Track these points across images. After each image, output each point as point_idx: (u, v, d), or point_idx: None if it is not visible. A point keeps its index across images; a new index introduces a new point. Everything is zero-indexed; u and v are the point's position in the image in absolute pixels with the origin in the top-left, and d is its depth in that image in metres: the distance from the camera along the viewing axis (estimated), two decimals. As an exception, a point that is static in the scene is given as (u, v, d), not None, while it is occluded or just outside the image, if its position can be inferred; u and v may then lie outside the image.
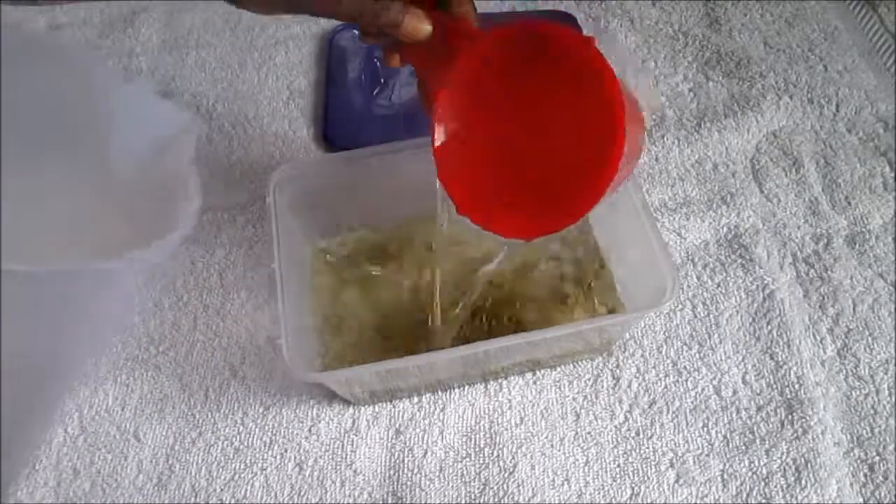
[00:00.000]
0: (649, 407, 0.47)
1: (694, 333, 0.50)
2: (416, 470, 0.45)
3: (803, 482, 0.44)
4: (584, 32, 0.68)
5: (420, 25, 0.34)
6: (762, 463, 0.45)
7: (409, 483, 0.44)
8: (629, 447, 0.45)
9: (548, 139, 0.37)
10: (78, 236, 0.35)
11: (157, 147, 0.35)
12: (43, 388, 0.38)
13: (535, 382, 0.48)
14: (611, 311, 0.50)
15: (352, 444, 0.46)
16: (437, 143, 0.38)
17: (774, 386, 0.48)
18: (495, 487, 0.44)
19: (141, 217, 0.33)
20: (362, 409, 0.47)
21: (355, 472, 0.45)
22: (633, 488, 0.44)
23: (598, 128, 0.33)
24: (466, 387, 0.48)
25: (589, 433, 0.46)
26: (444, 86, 0.37)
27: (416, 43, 0.36)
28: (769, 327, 0.50)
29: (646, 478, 0.44)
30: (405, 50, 0.39)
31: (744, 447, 0.45)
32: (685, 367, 0.49)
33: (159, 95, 0.35)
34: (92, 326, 0.34)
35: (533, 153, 0.38)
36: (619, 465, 0.45)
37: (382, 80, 0.64)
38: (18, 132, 0.35)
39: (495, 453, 0.45)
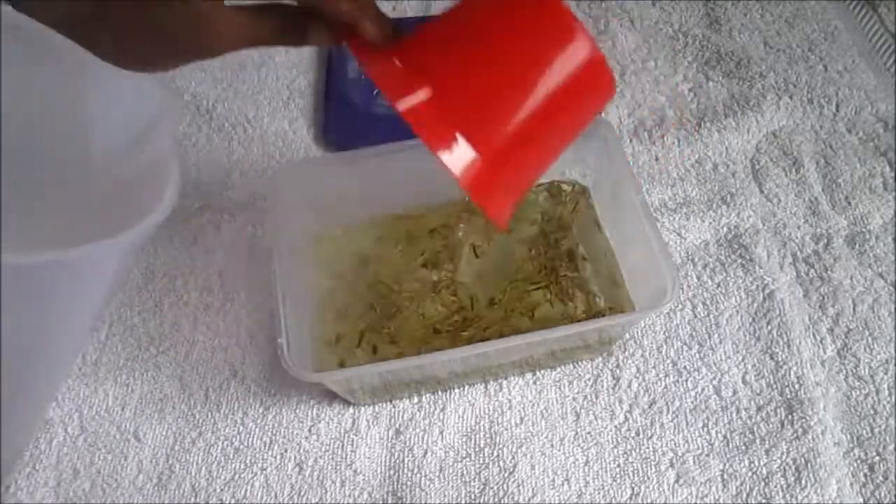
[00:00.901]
0: (649, 407, 0.47)
1: (694, 333, 0.50)
2: (416, 470, 0.45)
3: (803, 482, 0.44)
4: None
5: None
6: (762, 463, 0.45)
7: (409, 483, 0.44)
8: (629, 447, 0.46)
9: None
10: (57, 226, 0.35)
11: (138, 132, 0.35)
12: (24, 388, 0.38)
13: (535, 382, 0.48)
14: (612, 312, 0.50)
15: (352, 444, 0.46)
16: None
17: (774, 386, 0.48)
18: (495, 487, 0.44)
19: (120, 203, 0.33)
20: (362, 409, 0.47)
21: (355, 472, 0.45)
22: (633, 488, 0.44)
23: None
24: (466, 387, 0.48)
25: (589, 433, 0.46)
26: None
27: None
28: (769, 327, 0.50)
29: (646, 478, 0.44)
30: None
31: (744, 447, 0.45)
32: (685, 367, 0.49)
33: (141, 81, 0.35)
34: (67, 319, 0.34)
35: None
36: (619, 465, 0.45)
37: (382, 80, 0.64)
38: (14, 129, 0.35)
39: (495, 453, 0.45)
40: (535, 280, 0.50)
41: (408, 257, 0.52)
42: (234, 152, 0.60)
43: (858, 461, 0.45)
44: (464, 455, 0.45)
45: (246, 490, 0.44)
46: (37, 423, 0.46)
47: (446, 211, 0.53)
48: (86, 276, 0.31)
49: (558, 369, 0.49)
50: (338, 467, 0.45)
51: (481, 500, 0.44)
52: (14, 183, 0.35)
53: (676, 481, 0.44)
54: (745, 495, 0.44)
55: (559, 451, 0.45)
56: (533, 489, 0.44)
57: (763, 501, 0.43)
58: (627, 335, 0.49)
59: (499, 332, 0.48)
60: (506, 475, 0.45)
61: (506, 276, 0.51)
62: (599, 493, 0.44)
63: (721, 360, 0.49)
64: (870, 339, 0.49)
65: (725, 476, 0.44)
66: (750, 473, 0.44)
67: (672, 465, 0.45)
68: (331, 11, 0.34)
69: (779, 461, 0.45)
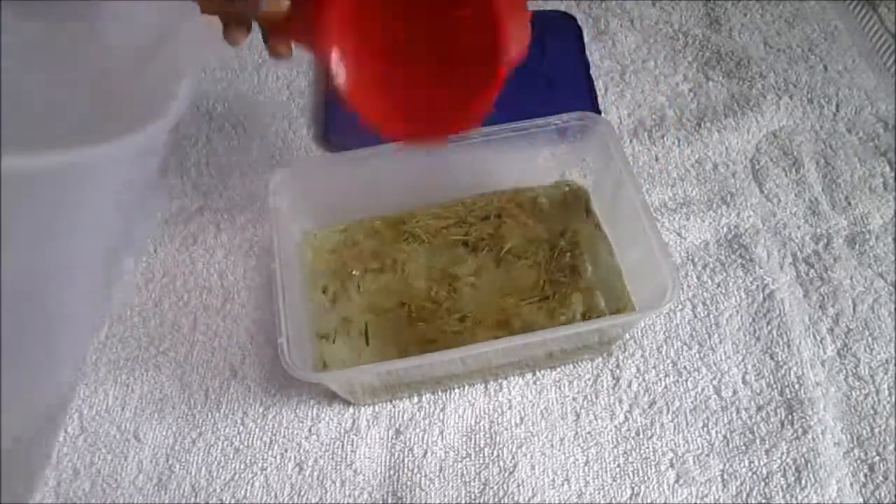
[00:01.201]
0: (649, 407, 0.47)
1: (694, 333, 0.50)
2: (416, 470, 0.45)
3: (803, 482, 0.44)
4: (584, 32, 0.68)
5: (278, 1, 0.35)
6: (762, 463, 0.45)
7: (409, 483, 0.44)
8: (629, 447, 0.46)
9: (434, 45, 0.37)
10: (64, 129, 0.33)
11: (156, 35, 0.34)
12: (43, 314, 0.35)
13: (535, 382, 0.48)
14: (612, 312, 0.50)
15: (352, 444, 0.46)
16: (340, 78, 0.39)
17: (774, 386, 0.48)
18: (495, 487, 0.44)
19: (130, 104, 0.32)
20: (362, 409, 0.47)
21: (355, 472, 0.45)
22: (633, 488, 0.44)
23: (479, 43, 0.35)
24: (466, 387, 0.48)
25: (589, 433, 0.46)
26: (328, 22, 0.37)
27: (285, 18, 0.36)
28: (769, 327, 0.50)
29: (646, 478, 0.44)
30: (287, 30, 0.38)
31: (744, 447, 0.45)
32: (685, 367, 0.49)
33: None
34: (78, 228, 0.32)
35: (424, 61, 0.38)
36: (619, 465, 0.45)
37: (382, 80, 0.64)
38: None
39: (495, 453, 0.45)
40: (525, 297, 0.50)
41: (410, 256, 0.52)
42: (234, 152, 0.60)
43: (858, 461, 0.45)
44: (464, 455, 0.45)
45: (246, 490, 0.44)
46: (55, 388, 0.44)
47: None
48: (89, 183, 0.29)
49: (558, 369, 0.49)
50: (338, 467, 0.45)
51: (481, 500, 0.44)
52: (21, 86, 0.33)
53: (676, 481, 0.44)
54: (745, 495, 0.44)
55: (559, 451, 0.45)
56: (533, 489, 0.44)
57: (763, 501, 0.43)
58: (627, 335, 0.49)
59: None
60: (506, 475, 0.45)
61: (500, 289, 0.51)
62: (599, 493, 0.44)
63: (721, 360, 0.49)
64: (870, 339, 0.49)
65: (725, 476, 0.44)
66: (750, 473, 0.44)
67: (672, 465, 0.45)
68: None
69: (779, 461, 0.45)
